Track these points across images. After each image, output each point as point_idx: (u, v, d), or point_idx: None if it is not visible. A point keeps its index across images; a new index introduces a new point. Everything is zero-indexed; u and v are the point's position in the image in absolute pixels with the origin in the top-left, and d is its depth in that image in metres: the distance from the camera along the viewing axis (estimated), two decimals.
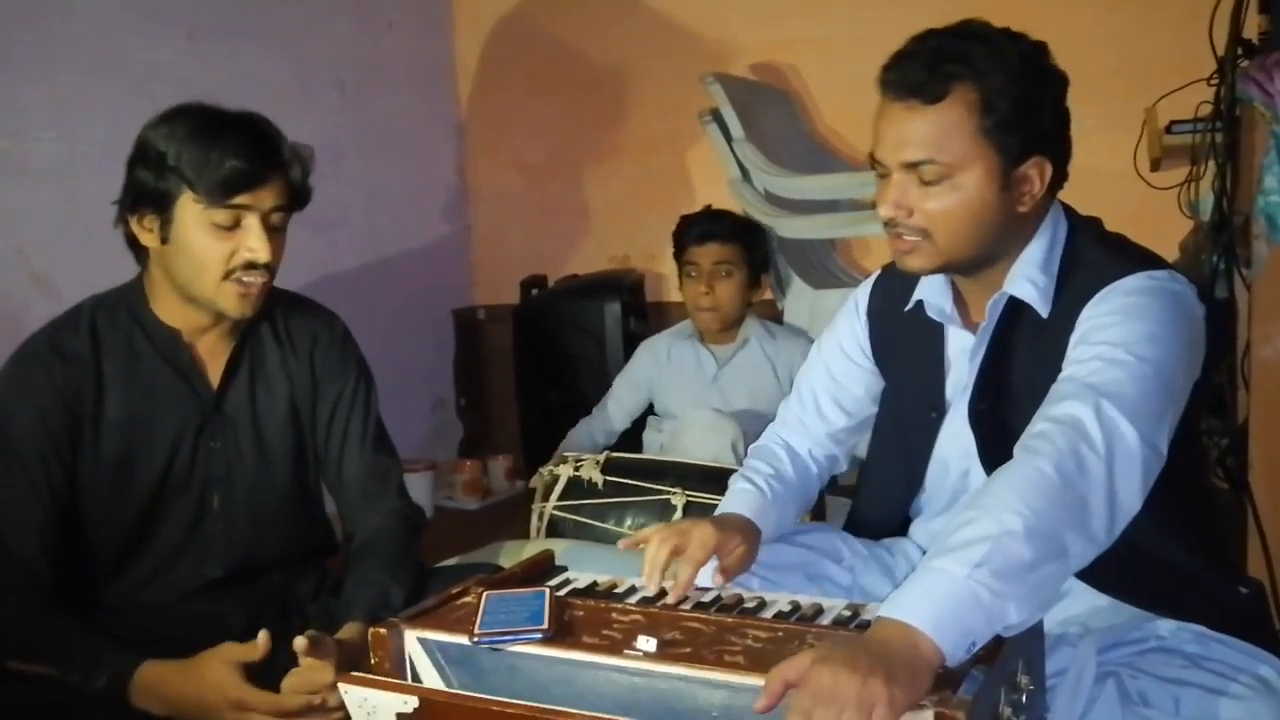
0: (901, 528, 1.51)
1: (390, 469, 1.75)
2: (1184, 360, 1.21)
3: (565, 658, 1.10)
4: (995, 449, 1.28)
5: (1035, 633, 1.08)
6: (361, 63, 3.42)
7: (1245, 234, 1.96)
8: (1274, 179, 1.79)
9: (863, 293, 1.56)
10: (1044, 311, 1.30)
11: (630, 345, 3.11)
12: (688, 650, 1.09)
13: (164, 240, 1.51)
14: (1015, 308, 1.33)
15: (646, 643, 1.09)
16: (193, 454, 1.61)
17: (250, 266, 1.51)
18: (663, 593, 1.28)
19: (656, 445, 2.74)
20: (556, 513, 2.33)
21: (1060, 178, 1.32)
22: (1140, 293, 1.23)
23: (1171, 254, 2.48)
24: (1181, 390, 1.22)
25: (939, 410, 1.42)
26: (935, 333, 1.43)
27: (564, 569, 1.38)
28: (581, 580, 1.34)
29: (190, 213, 1.48)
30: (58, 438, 1.52)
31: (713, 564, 1.33)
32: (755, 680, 0.99)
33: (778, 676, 0.95)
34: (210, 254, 1.50)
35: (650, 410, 2.90)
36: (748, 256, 2.73)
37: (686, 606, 1.24)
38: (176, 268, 1.53)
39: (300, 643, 1.32)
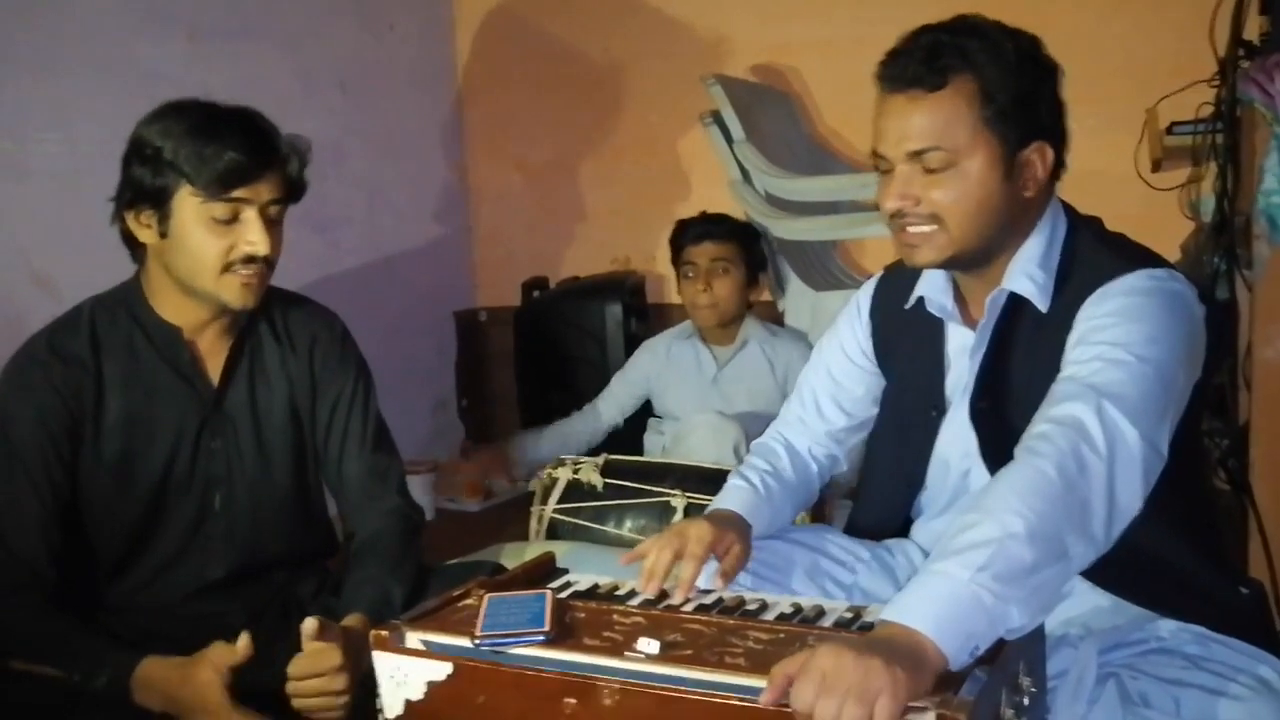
0: (903, 528, 1.51)
1: (390, 468, 1.75)
2: (1184, 360, 1.21)
3: (567, 660, 1.10)
4: (996, 447, 1.28)
5: (1037, 634, 1.08)
6: (363, 64, 3.42)
7: (1246, 235, 1.96)
8: (1275, 180, 1.79)
9: (864, 294, 1.56)
10: (1043, 307, 1.30)
11: (631, 347, 3.12)
12: (689, 652, 1.09)
13: (162, 235, 1.51)
14: (1015, 304, 1.33)
15: (648, 645, 1.09)
16: (193, 454, 1.61)
17: (250, 260, 1.51)
18: (663, 595, 1.28)
19: (658, 448, 2.75)
20: (556, 515, 2.33)
21: (1059, 165, 1.33)
22: (1140, 292, 1.24)
23: (1173, 255, 2.48)
24: (1182, 390, 1.22)
25: (939, 409, 1.42)
26: (936, 331, 1.44)
27: (565, 571, 1.38)
28: (583, 582, 1.34)
29: (188, 207, 1.48)
30: (58, 438, 1.52)
31: (713, 567, 1.33)
32: (757, 682, 0.99)
33: (781, 671, 0.95)
34: (209, 248, 1.50)
35: (650, 412, 2.90)
36: (745, 255, 2.74)
37: (688, 608, 1.24)
38: (176, 263, 1.53)
39: (309, 624, 1.34)
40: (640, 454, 2.74)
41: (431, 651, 1.13)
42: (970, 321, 1.40)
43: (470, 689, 1.09)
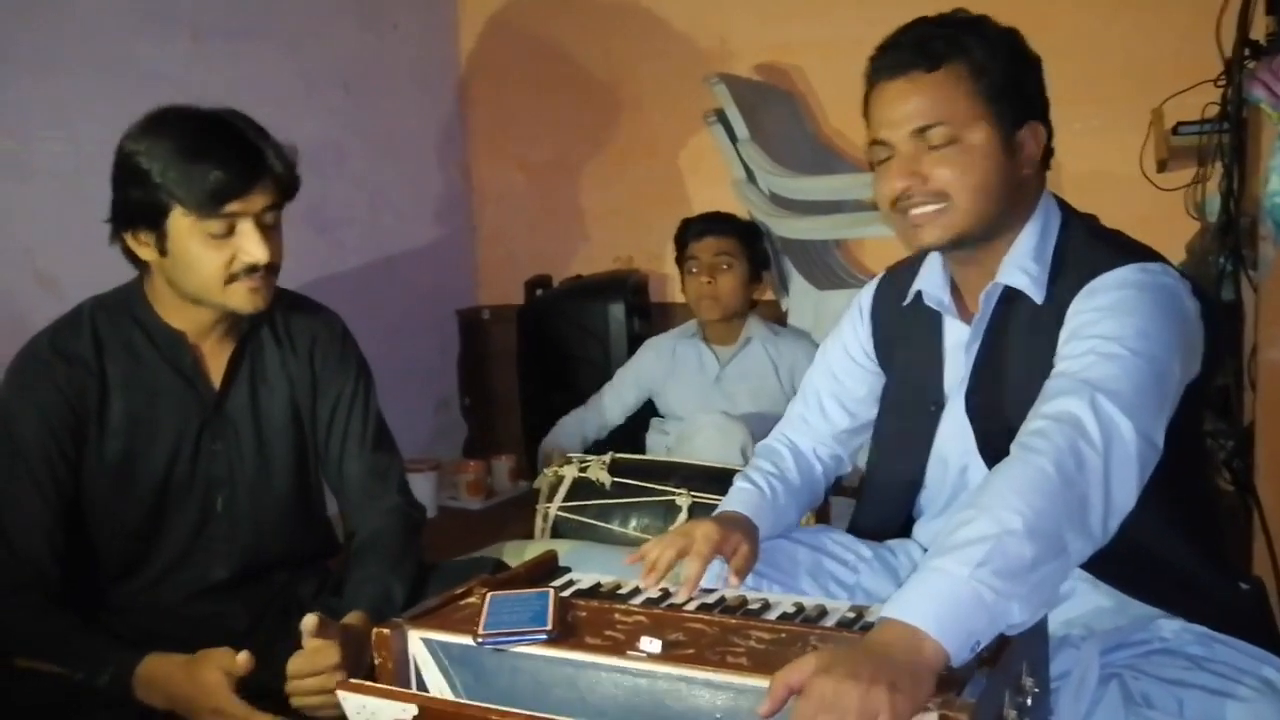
0: (905, 528, 1.51)
1: (390, 466, 1.75)
2: (1177, 353, 1.21)
3: (569, 658, 1.10)
4: (993, 441, 1.29)
5: (1039, 635, 1.08)
6: (366, 64, 3.42)
7: (1252, 235, 1.96)
8: None
9: (866, 294, 1.57)
10: (1038, 299, 1.31)
11: (634, 346, 3.12)
12: (691, 651, 1.08)
13: (162, 253, 1.51)
14: (1009, 298, 1.34)
15: (650, 644, 1.09)
16: (194, 456, 1.61)
17: (251, 269, 1.51)
18: (665, 594, 1.28)
19: (661, 447, 2.74)
20: (561, 513, 2.33)
21: (1049, 152, 1.36)
22: (1131, 285, 1.24)
23: (1178, 256, 2.47)
24: (1176, 383, 1.21)
25: (938, 403, 1.43)
26: (934, 326, 1.45)
27: (567, 570, 1.38)
28: (585, 581, 1.34)
29: (183, 226, 1.48)
30: (62, 438, 1.52)
31: (724, 567, 1.33)
32: (758, 682, 0.99)
33: (781, 681, 0.95)
34: (209, 262, 1.50)
35: (653, 412, 2.90)
36: (747, 251, 2.76)
37: (691, 607, 1.24)
38: (179, 278, 1.53)
39: (309, 620, 1.34)
40: (642, 453, 2.73)
41: (397, 693, 1.10)
42: (966, 316, 1.41)
43: None
